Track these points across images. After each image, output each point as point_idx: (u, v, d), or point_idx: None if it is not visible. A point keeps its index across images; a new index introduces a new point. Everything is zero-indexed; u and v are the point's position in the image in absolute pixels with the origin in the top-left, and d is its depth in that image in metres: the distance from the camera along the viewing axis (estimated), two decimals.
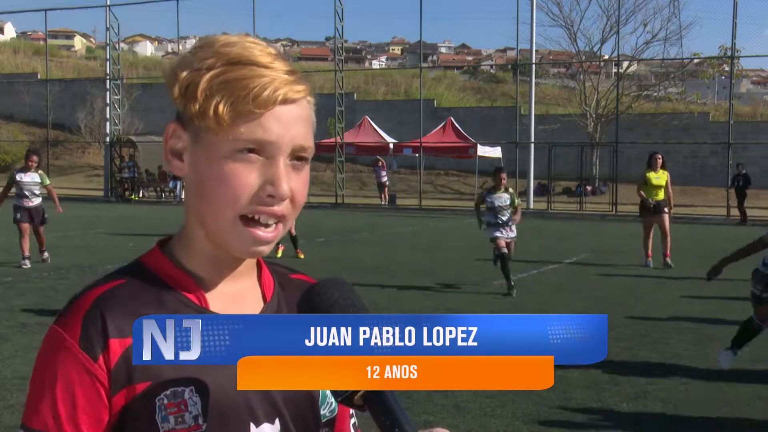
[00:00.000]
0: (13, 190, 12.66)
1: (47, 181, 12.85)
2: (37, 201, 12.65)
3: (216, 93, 1.01)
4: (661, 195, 13.46)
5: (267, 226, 1.04)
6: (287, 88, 1.03)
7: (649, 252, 13.76)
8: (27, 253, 12.50)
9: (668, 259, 13.56)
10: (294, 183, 1.04)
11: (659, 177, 13.42)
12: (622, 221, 25.68)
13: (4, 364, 6.59)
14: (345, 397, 0.91)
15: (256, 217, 1.03)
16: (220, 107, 1.01)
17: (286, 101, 1.03)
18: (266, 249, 1.05)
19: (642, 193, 13.51)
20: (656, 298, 10.35)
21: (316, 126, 1.10)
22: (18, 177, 12.58)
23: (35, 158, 12.68)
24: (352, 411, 1.18)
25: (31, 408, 1.01)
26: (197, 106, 1.02)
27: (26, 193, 12.49)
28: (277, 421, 1.08)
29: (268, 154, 1.02)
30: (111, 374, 1.01)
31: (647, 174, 13.53)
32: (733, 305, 9.86)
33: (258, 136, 1.01)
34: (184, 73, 1.04)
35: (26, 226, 12.51)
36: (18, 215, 12.54)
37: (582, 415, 5.50)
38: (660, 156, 13.53)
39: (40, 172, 12.75)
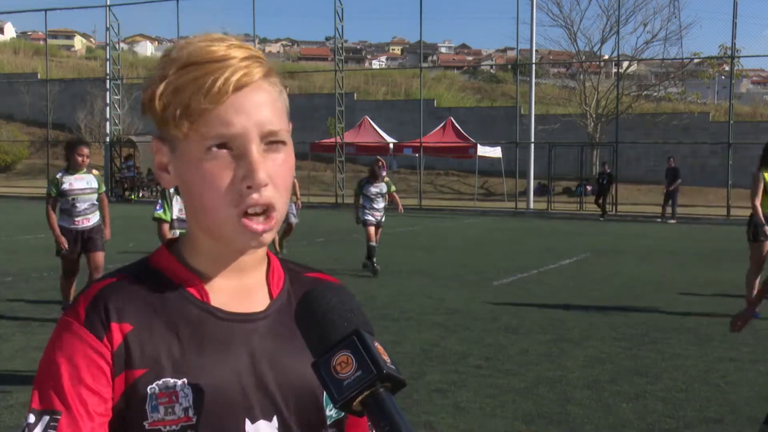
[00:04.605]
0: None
1: (103, 188, 8.49)
2: (94, 219, 8.35)
3: (171, 100, 1.02)
4: None
5: (258, 215, 1.04)
6: (239, 74, 1.02)
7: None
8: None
9: None
10: (271, 168, 1.04)
11: None
12: (622, 221, 25.69)
13: (4, 364, 6.59)
14: (344, 403, 0.91)
15: (245, 210, 1.03)
16: (177, 112, 1.02)
17: (240, 88, 1.02)
18: (266, 238, 1.05)
19: (757, 205, 8.74)
20: (656, 298, 10.35)
21: (288, 106, 1.09)
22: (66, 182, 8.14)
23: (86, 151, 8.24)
24: None
25: (38, 391, 1.02)
26: (158, 118, 1.04)
27: (75, 208, 8.19)
28: (275, 418, 1.08)
29: (238, 146, 1.02)
30: (114, 355, 1.03)
31: (765, 173, 8.70)
32: (733, 305, 9.85)
33: (222, 131, 1.01)
34: (147, 90, 1.06)
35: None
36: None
37: (582, 415, 5.50)
38: None
39: (94, 172, 8.50)
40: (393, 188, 13.10)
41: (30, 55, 55.44)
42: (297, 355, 1.08)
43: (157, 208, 7.09)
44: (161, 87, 1.03)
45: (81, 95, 41.37)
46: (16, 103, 46.06)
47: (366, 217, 12.63)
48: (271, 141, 1.04)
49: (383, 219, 12.85)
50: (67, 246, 8.11)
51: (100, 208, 8.37)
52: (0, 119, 46.55)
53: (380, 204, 12.79)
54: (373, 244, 12.46)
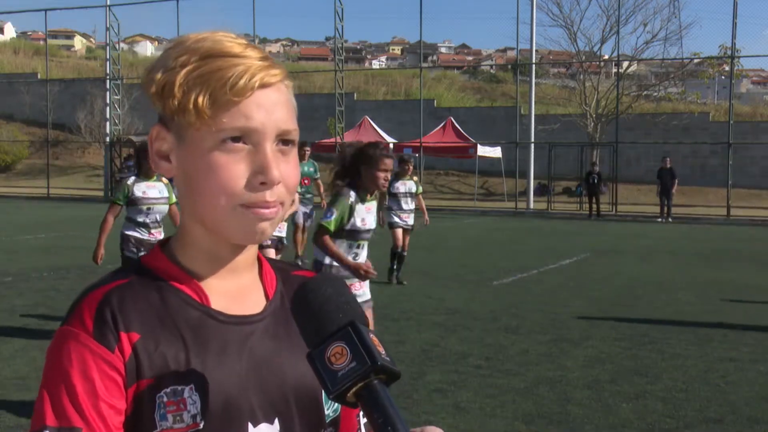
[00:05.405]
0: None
1: (174, 198, 7.45)
2: (162, 231, 7.42)
3: (193, 87, 1.02)
4: None
5: (264, 209, 1.04)
6: (263, 73, 1.03)
7: None
8: None
9: None
10: (284, 167, 1.04)
11: None
12: (622, 221, 25.69)
13: (4, 364, 6.59)
14: (338, 395, 0.91)
15: (252, 205, 1.03)
16: (200, 100, 1.01)
17: (263, 86, 1.03)
18: (268, 230, 1.05)
19: None
20: (656, 298, 10.35)
21: (297, 110, 1.10)
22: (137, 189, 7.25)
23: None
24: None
25: (51, 406, 0.98)
26: (176, 103, 1.03)
27: (150, 217, 7.32)
28: (276, 420, 1.08)
29: (253, 141, 1.03)
30: (126, 366, 1.01)
31: None
32: (733, 305, 9.87)
33: (241, 124, 1.02)
34: (159, 74, 1.04)
35: None
36: (133, 252, 7.26)
37: (582, 415, 5.50)
38: None
39: (164, 180, 7.45)
40: (420, 189, 11.86)
41: (30, 55, 55.41)
42: (296, 356, 1.07)
43: (329, 215, 5.48)
44: (182, 72, 1.02)
45: (81, 95, 41.35)
46: (16, 103, 46.04)
47: (393, 219, 11.54)
48: (283, 140, 1.05)
49: (412, 222, 11.64)
50: (100, 263, 7.35)
51: (173, 221, 7.35)
52: (0, 119, 46.55)
53: (409, 205, 11.58)
54: (400, 251, 11.37)
